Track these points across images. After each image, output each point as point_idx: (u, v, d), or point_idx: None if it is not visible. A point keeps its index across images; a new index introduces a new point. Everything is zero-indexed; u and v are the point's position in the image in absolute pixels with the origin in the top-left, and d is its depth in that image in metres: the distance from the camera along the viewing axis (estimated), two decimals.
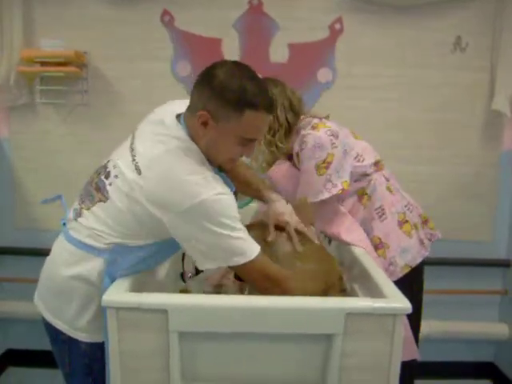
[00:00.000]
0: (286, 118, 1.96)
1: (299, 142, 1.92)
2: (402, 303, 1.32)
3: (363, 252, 1.82)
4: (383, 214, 1.98)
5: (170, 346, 1.29)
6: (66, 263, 1.46)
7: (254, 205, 2.21)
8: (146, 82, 2.72)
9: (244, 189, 1.79)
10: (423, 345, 2.83)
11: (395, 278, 1.91)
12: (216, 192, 1.33)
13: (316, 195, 1.88)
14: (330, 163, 1.86)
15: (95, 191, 1.46)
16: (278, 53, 2.81)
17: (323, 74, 2.76)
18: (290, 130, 1.98)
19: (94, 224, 1.43)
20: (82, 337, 1.48)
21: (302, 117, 2.01)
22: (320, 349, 1.33)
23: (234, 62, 1.43)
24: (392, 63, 2.81)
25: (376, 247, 1.97)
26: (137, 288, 1.44)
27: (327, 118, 1.99)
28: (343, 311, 1.29)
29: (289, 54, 2.80)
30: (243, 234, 1.39)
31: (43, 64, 2.71)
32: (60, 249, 1.52)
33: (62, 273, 1.46)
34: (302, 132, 1.92)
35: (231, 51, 2.80)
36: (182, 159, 1.38)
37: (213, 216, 1.33)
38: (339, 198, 1.99)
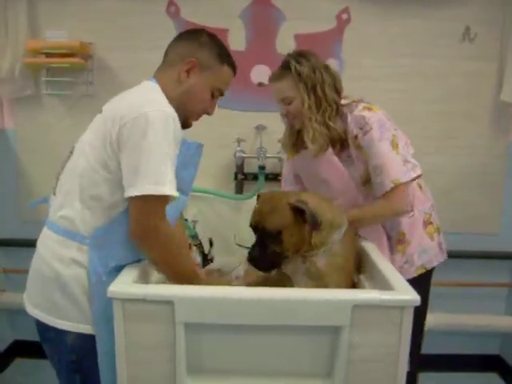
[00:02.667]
0: (333, 97, 1.87)
1: (357, 123, 1.81)
2: (410, 295, 1.31)
3: (371, 245, 1.81)
4: (412, 210, 1.95)
5: (176, 338, 1.29)
6: (50, 249, 1.47)
7: None
8: (151, 73, 2.68)
9: None
10: (429, 337, 2.83)
11: (408, 277, 1.87)
12: (166, 110, 1.38)
13: (405, 174, 1.80)
14: (397, 144, 1.81)
15: (60, 171, 1.54)
16: (285, 44, 2.78)
17: (330, 65, 2.71)
18: (337, 110, 1.89)
19: (65, 207, 1.45)
20: (68, 326, 1.45)
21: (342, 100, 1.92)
22: (327, 341, 1.32)
23: (209, 32, 1.64)
24: (400, 53, 2.79)
25: (398, 242, 1.97)
26: (144, 279, 1.44)
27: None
28: (350, 303, 1.28)
29: (295, 44, 2.77)
30: (173, 165, 1.38)
31: (48, 55, 2.69)
32: (43, 239, 1.52)
33: (48, 260, 1.46)
34: (357, 113, 1.82)
35: (237, 42, 2.78)
36: (143, 88, 1.52)
37: (158, 129, 1.33)
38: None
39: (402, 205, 1.84)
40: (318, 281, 1.57)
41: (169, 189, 1.34)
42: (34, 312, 1.51)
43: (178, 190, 1.42)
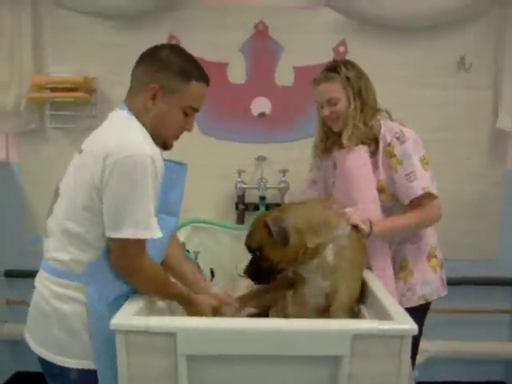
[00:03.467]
0: (373, 103, 2.00)
1: (393, 133, 1.92)
2: (409, 325, 1.32)
3: (371, 275, 1.82)
4: (419, 241, 2.01)
5: (179, 370, 1.30)
6: (47, 288, 1.47)
7: None
8: None
9: (178, 280, 1.74)
10: (431, 365, 2.83)
11: (410, 305, 1.93)
12: (147, 153, 1.35)
13: (433, 187, 1.88)
14: (428, 162, 1.91)
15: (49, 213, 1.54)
16: (284, 76, 2.85)
17: None
18: (374, 115, 1.99)
19: (56, 249, 1.45)
20: (72, 364, 1.45)
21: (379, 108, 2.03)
22: (327, 371, 1.33)
23: (172, 44, 1.61)
24: (397, 84, 2.84)
25: (401, 268, 2.00)
26: (147, 311, 1.46)
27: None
28: (350, 333, 1.29)
29: (294, 76, 2.83)
30: (155, 204, 1.40)
31: (53, 90, 2.76)
32: (40, 278, 1.52)
33: (46, 297, 1.47)
34: (394, 125, 1.96)
35: (237, 75, 2.84)
36: (119, 124, 1.47)
37: (139, 174, 1.33)
38: (391, 210, 1.96)
39: (433, 215, 1.93)
40: (330, 277, 1.63)
41: (149, 232, 1.37)
42: (37, 349, 1.50)
43: (167, 212, 1.48)
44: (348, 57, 2.80)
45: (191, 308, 1.60)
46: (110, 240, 1.39)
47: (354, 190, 1.93)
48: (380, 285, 1.71)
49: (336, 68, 1.97)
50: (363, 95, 1.96)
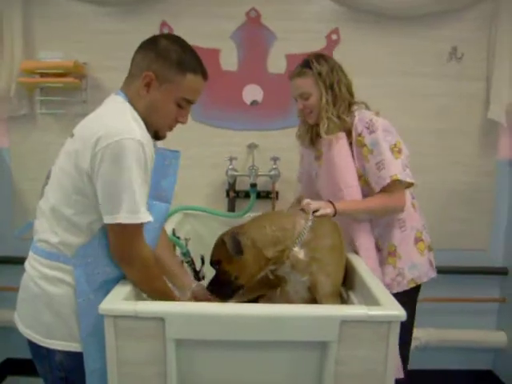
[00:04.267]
0: (347, 96, 2.03)
1: (364, 123, 1.96)
2: (397, 311, 1.33)
3: (360, 260, 1.84)
4: (404, 225, 2.05)
5: (167, 354, 1.31)
6: (37, 270, 1.47)
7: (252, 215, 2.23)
8: None
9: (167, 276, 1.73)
10: (421, 353, 2.85)
11: (401, 290, 2.00)
12: (136, 138, 1.34)
13: (402, 174, 1.89)
14: (400, 149, 1.93)
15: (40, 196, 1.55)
16: (276, 63, 2.84)
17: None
18: (349, 108, 2.03)
19: (46, 231, 1.46)
20: (57, 345, 1.46)
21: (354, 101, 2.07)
22: (315, 356, 1.34)
23: (174, 35, 1.59)
24: (388, 73, 2.84)
25: (389, 254, 2.04)
26: (135, 296, 1.46)
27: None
28: (338, 319, 1.30)
29: (286, 64, 2.82)
30: (145, 189, 1.40)
31: (43, 75, 2.74)
32: (30, 260, 1.53)
33: (35, 279, 1.47)
34: (365, 115, 1.98)
35: (229, 62, 2.83)
36: (112, 108, 1.47)
37: (128, 158, 1.32)
38: (363, 192, 1.99)
39: (397, 202, 1.95)
40: (307, 271, 1.65)
41: (142, 216, 1.37)
42: (25, 331, 1.51)
43: (159, 198, 1.48)
44: (340, 45, 2.81)
45: None
46: (108, 226, 1.39)
47: (337, 176, 1.98)
48: (367, 269, 1.73)
49: (309, 63, 2.02)
50: (335, 89, 2.00)
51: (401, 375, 1.87)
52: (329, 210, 1.80)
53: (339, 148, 1.98)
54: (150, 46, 1.50)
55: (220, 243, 1.66)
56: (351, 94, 2.06)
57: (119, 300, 1.36)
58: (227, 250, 1.60)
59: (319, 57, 2.05)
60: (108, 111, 1.47)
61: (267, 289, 1.81)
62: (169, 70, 1.46)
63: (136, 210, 1.35)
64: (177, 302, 1.40)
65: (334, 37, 2.82)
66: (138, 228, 1.39)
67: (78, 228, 1.42)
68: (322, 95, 1.99)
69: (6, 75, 2.75)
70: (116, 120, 1.39)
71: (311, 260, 1.65)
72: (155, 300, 1.50)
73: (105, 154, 1.32)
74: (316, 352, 1.34)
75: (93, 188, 1.37)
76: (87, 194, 1.39)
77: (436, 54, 2.84)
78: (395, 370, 1.80)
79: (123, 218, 1.34)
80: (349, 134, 2.01)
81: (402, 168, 1.90)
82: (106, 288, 1.42)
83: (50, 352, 1.47)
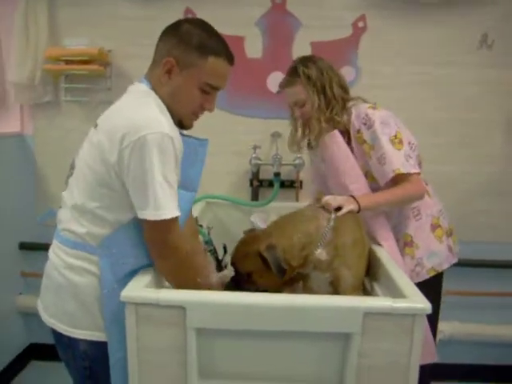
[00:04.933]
0: (341, 95, 1.99)
1: (361, 119, 1.92)
2: (422, 303, 1.30)
3: (384, 252, 1.81)
4: (418, 213, 2.01)
5: (188, 343, 1.30)
6: (61, 259, 1.47)
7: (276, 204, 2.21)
8: None
9: None
10: (445, 347, 2.81)
11: (421, 279, 1.96)
12: (163, 131, 1.31)
13: (405, 167, 1.85)
14: (401, 139, 1.88)
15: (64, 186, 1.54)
16: (301, 51, 2.76)
17: (346, 73, 2.69)
18: (344, 106, 1.99)
19: (70, 221, 1.45)
20: (81, 334, 1.46)
21: (350, 97, 2.03)
22: (338, 348, 1.32)
23: (197, 18, 1.53)
24: (416, 61, 2.78)
25: (405, 244, 2.01)
26: (156, 284, 1.45)
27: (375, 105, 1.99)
28: (361, 310, 1.28)
29: (311, 52, 2.78)
30: (174, 184, 1.36)
31: (68, 62, 2.75)
32: (54, 249, 1.52)
33: (59, 268, 1.47)
34: (361, 110, 1.94)
35: (254, 49, 2.80)
36: (137, 99, 1.43)
37: (156, 153, 1.30)
38: (381, 188, 1.95)
39: (416, 190, 1.90)
40: (329, 269, 1.63)
41: (168, 212, 1.33)
42: (50, 321, 1.51)
43: (186, 187, 1.45)
44: (367, 33, 2.76)
45: None
46: (143, 222, 1.38)
47: (340, 174, 1.95)
48: (391, 260, 1.70)
49: (296, 70, 1.98)
50: (327, 92, 1.96)
51: (434, 359, 1.86)
52: (352, 206, 1.75)
53: (336, 146, 1.96)
54: (173, 31, 1.46)
55: (254, 255, 1.60)
56: (345, 91, 2.02)
57: (141, 287, 1.36)
58: (261, 264, 1.57)
59: (306, 60, 2.00)
60: (132, 102, 1.44)
61: (290, 284, 1.76)
62: (190, 54, 1.41)
63: (161, 207, 1.32)
64: (198, 291, 1.38)
65: (360, 24, 2.77)
66: (169, 223, 1.35)
67: (102, 220, 1.41)
68: (314, 101, 1.94)
69: (32, 62, 2.76)
70: (141, 112, 1.36)
71: (333, 258, 1.62)
72: None
73: (132, 151, 1.30)
74: (339, 343, 1.32)
75: (120, 182, 1.36)
76: (114, 188, 1.38)
77: (465, 42, 2.77)
78: (429, 354, 1.80)
79: (149, 214, 1.33)
80: (345, 132, 1.98)
81: (405, 159, 1.85)
82: (130, 278, 1.41)
83: (73, 341, 1.47)
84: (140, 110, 1.37)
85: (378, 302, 1.39)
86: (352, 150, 1.97)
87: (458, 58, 2.78)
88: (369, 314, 1.28)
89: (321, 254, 1.62)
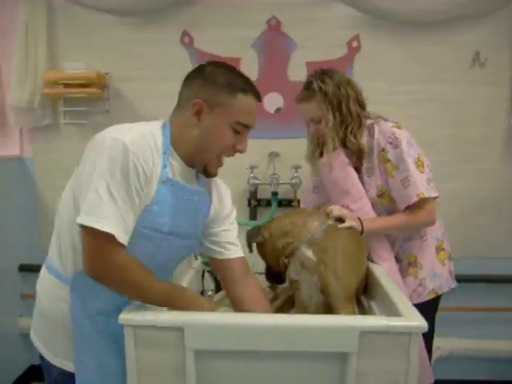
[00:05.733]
0: (357, 111, 1.95)
1: (387, 138, 1.88)
2: (418, 321, 1.31)
3: (382, 270, 1.82)
4: (425, 235, 2.01)
5: (186, 364, 1.31)
6: (43, 285, 1.50)
7: None
8: (166, 102, 2.70)
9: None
10: (444, 363, 2.81)
11: (421, 300, 1.96)
12: (124, 142, 1.24)
13: (428, 191, 1.84)
14: (423, 162, 1.88)
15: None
16: (297, 71, 2.83)
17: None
18: (360, 123, 1.95)
19: (53, 248, 1.46)
20: (55, 361, 1.47)
21: (367, 113, 2.00)
22: (336, 367, 1.33)
23: (218, 61, 1.50)
24: (410, 79, 2.82)
25: (410, 264, 2.01)
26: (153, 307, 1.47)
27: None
28: (357, 329, 1.28)
29: (307, 72, 2.81)
30: (120, 203, 1.24)
31: (66, 86, 2.79)
32: (41, 275, 1.54)
33: (40, 294, 1.50)
34: (386, 128, 1.91)
35: (250, 70, 2.82)
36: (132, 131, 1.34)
37: (103, 155, 1.24)
38: (393, 208, 1.96)
39: (428, 217, 1.91)
40: (316, 271, 1.65)
41: (105, 223, 1.22)
42: (35, 342, 1.53)
43: (173, 232, 1.40)
44: (362, 52, 2.80)
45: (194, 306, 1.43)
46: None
47: (340, 194, 1.97)
48: (389, 279, 1.71)
49: (312, 85, 1.93)
50: (343, 109, 1.91)
51: (430, 381, 1.86)
52: (354, 224, 1.77)
53: (338, 165, 1.96)
54: (196, 74, 1.43)
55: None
56: (362, 107, 1.98)
57: (139, 309, 1.36)
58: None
59: (323, 75, 1.95)
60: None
61: (278, 282, 1.89)
62: (218, 93, 1.37)
63: (93, 213, 1.22)
64: (196, 312, 1.39)
65: (354, 44, 2.81)
66: (105, 237, 1.23)
67: (75, 252, 1.37)
68: (328, 120, 1.91)
69: (31, 86, 2.80)
70: (130, 124, 1.37)
71: (320, 260, 1.65)
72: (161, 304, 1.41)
73: (86, 150, 1.31)
74: (336, 363, 1.32)
75: None
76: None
77: (458, 60, 2.81)
78: (426, 375, 1.80)
79: (80, 218, 1.23)
80: (356, 151, 1.96)
81: (427, 183, 1.85)
82: (102, 317, 1.40)
83: (49, 366, 1.49)
84: (121, 126, 1.36)
85: (374, 320, 1.40)
86: (358, 169, 1.97)
87: (451, 76, 2.81)
88: (365, 333, 1.29)
89: (306, 250, 1.67)
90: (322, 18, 2.82)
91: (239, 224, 2.66)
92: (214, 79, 1.38)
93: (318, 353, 1.32)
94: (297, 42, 2.83)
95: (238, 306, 1.57)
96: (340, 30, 2.81)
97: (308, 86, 1.96)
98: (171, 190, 1.38)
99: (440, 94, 2.82)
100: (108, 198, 1.23)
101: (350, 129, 1.93)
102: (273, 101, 2.85)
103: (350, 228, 1.76)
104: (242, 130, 1.42)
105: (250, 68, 2.83)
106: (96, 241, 1.25)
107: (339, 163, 1.96)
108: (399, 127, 1.91)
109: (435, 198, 1.88)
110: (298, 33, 2.83)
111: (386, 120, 1.98)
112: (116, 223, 1.24)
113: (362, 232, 1.80)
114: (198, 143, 1.40)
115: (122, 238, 1.25)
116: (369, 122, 1.97)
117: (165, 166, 1.36)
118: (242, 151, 1.47)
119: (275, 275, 1.83)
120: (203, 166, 1.46)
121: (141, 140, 1.30)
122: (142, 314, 1.34)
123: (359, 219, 1.82)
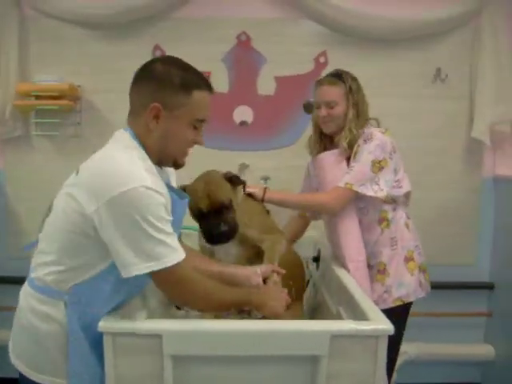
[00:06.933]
0: (365, 115, 2.12)
1: (364, 137, 2.03)
2: (385, 325, 1.38)
3: (348, 275, 1.90)
4: (395, 244, 2.10)
5: (165, 370, 1.34)
6: (28, 302, 1.45)
7: None
8: None
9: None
10: (410, 367, 2.88)
11: (386, 307, 2.01)
12: (145, 185, 1.27)
13: (360, 186, 1.96)
14: (382, 168, 1.98)
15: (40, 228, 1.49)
16: (266, 85, 2.91)
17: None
18: (363, 125, 2.09)
19: (41, 266, 1.42)
20: (40, 379, 1.43)
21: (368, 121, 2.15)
22: (307, 370, 1.38)
23: (165, 57, 1.49)
24: (375, 94, 2.88)
25: (378, 271, 2.09)
26: (130, 315, 1.49)
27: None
28: (328, 333, 1.34)
29: (276, 86, 2.90)
30: (169, 238, 1.32)
31: (38, 97, 2.80)
32: (24, 291, 1.49)
33: (25, 312, 1.44)
34: (370, 130, 2.05)
35: (220, 84, 2.89)
36: (120, 152, 1.36)
37: (138, 208, 1.26)
38: (362, 212, 2.06)
39: (326, 201, 2.03)
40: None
41: (173, 258, 1.32)
42: (16, 362, 1.49)
43: None
44: (328, 68, 2.87)
45: (263, 308, 1.56)
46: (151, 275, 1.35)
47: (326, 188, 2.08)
48: (355, 285, 1.78)
49: (342, 76, 2.10)
50: (360, 107, 2.08)
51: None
52: (255, 190, 1.99)
53: (332, 164, 2.09)
54: (147, 74, 1.42)
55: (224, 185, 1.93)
56: (366, 113, 2.14)
57: (118, 318, 1.40)
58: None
59: (349, 74, 2.13)
60: (116, 154, 1.36)
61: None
62: (175, 96, 1.38)
63: (159, 258, 1.30)
64: (174, 320, 1.43)
65: (321, 59, 2.91)
66: (169, 270, 1.32)
67: (76, 268, 1.38)
68: (348, 109, 2.06)
69: (2, 98, 2.81)
70: (123, 164, 1.32)
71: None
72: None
73: (110, 208, 1.27)
74: (307, 366, 1.38)
75: (95, 232, 1.31)
76: (89, 238, 1.33)
77: (421, 76, 2.94)
78: None
79: (146, 268, 1.30)
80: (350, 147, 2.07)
81: (370, 182, 1.97)
82: (94, 328, 1.38)
83: None
84: (121, 162, 1.32)
85: (344, 324, 1.47)
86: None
87: (414, 91, 2.94)
88: (335, 337, 1.35)
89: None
90: (290, 34, 2.91)
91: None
92: (168, 80, 1.38)
93: (291, 356, 1.38)
94: (266, 56, 2.91)
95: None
96: (308, 46, 2.91)
97: (336, 74, 2.12)
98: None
99: (403, 108, 2.94)
100: (161, 235, 1.30)
101: (359, 125, 2.08)
102: (242, 114, 2.92)
103: (253, 195, 1.98)
104: (199, 125, 1.47)
105: (221, 82, 2.90)
106: (167, 278, 1.36)
107: (332, 163, 2.10)
108: (383, 132, 2.06)
109: (354, 191, 1.97)
110: (267, 48, 2.91)
111: (378, 125, 2.15)
112: (170, 251, 1.32)
113: (262, 200, 1.98)
114: (161, 145, 1.42)
115: (180, 254, 1.35)
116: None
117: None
118: (200, 144, 1.51)
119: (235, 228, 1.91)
120: (172, 161, 1.50)
121: (150, 173, 1.34)
122: (121, 322, 1.37)
123: (265, 189, 2.00)
